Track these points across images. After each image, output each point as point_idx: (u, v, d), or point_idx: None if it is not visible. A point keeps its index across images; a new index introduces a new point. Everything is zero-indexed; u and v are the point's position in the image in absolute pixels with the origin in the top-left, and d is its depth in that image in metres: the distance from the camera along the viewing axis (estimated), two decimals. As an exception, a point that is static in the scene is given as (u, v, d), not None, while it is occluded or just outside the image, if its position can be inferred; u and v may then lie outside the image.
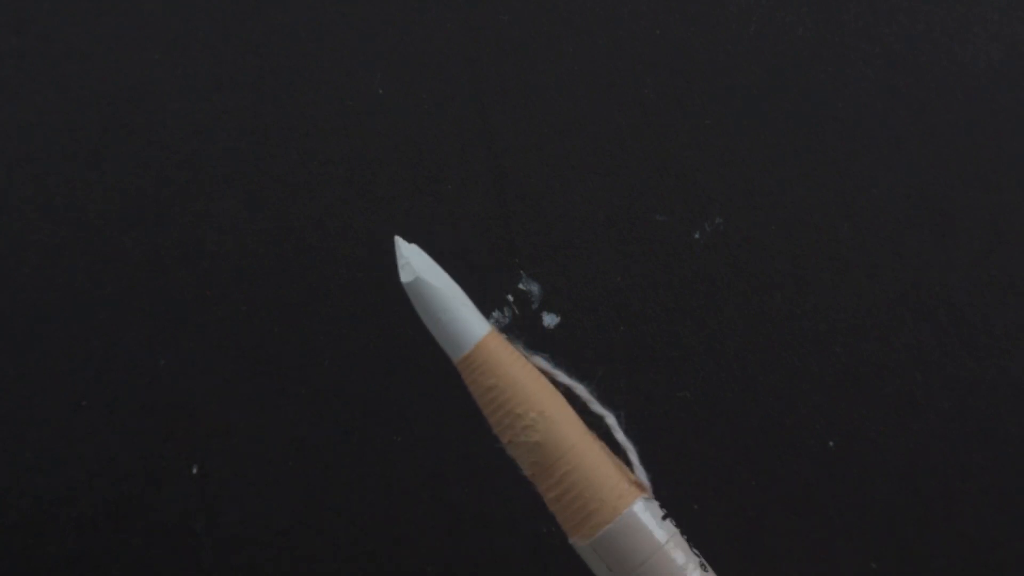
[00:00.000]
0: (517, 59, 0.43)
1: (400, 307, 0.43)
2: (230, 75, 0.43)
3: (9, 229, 0.42)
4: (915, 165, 0.42)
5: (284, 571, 0.41)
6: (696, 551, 0.27)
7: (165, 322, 0.42)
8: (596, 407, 0.27)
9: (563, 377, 0.26)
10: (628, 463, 0.26)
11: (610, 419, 0.26)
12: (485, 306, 0.28)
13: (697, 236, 0.42)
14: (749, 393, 0.41)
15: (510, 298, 0.41)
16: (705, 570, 0.26)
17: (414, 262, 0.26)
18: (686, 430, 0.41)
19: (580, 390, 0.27)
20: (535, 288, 0.42)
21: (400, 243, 0.26)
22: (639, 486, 0.26)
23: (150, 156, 0.43)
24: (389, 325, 0.42)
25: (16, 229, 0.42)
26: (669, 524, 0.26)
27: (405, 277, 0.25)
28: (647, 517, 0.25)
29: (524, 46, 0.43)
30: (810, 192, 0.42)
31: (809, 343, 0.41)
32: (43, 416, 0.42)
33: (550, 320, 0.42)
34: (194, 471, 0.41)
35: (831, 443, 0.41)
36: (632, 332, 0.42)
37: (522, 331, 0.28)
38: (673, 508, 0.40)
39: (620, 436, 0.26)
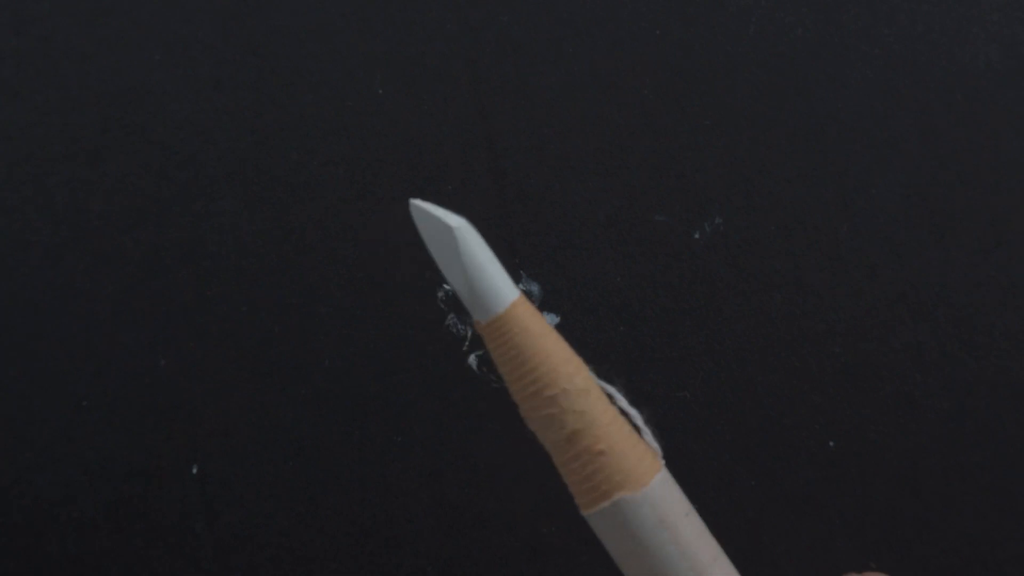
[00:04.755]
0: (517, 59, 0.43)
1: (400, 307, 0.43)
2: (230, 75, 0.43)
3: (9, 229, 0.42)
4: (915, 165, 0.42)
5: (284, 571, 0.41)
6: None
7: (165, 322, 0.42)
8: (609, 386, 0.26)
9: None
10: (637, 429, 0.26)
11: (611, 390, 0.26)
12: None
13: (697, 236, 0.42)
14: (749, 393, 0.41)
15: (510, 298, 0.41)
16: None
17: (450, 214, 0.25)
18: (686, 430, 0.41)
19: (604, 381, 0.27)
20: (535, 288, 0.42)
21: (418, 204, 0.25)
22: (655, 458, 0.26)
23: (150, 156, 0.43)
24: (389, 325, 0.42)
25: (16, 229, 0.42)
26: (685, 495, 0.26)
27: (456, 221, 0.25)
28: (670, 484, 0.26)
29: (524, 46, 0.43)
30: (810, 192, 0.42)
31: (809, 343, 0.41)
32: (43, 416, 0.42)
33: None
34: (194, 471, 0.41)
35: (831, 443, 0.41)
36: (632, 332, 0.42)
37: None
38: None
39: (624, 404, 0.26)
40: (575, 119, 0.42)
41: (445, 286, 0.41)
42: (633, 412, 0.26)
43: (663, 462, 0.25)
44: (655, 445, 0.25)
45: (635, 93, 0.43)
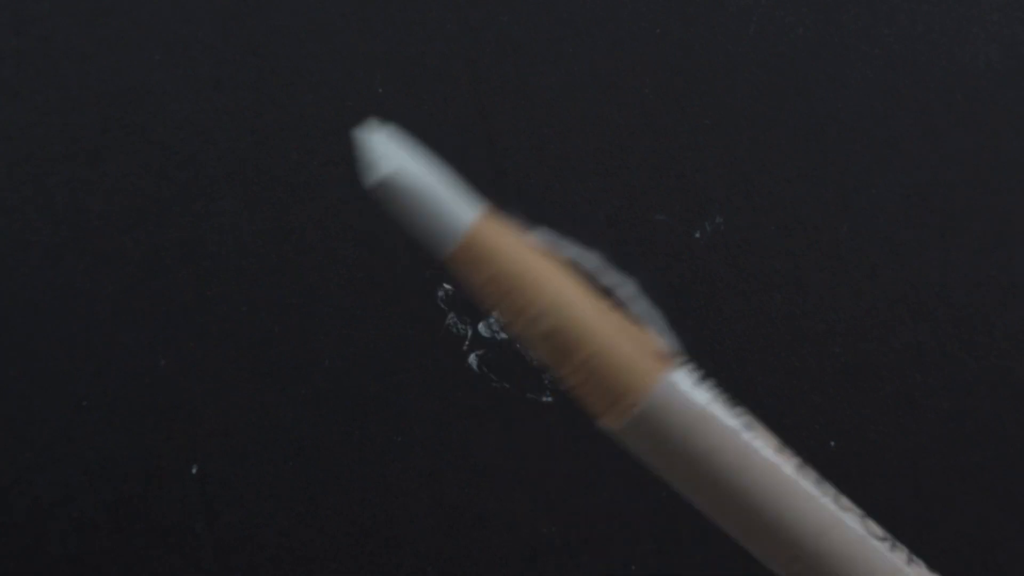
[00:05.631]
0: (517, 59, 0.43)
1: (400, 307, 0.43)
2: (230, 75, 0.43)
3: (9, 229, 0.42)
4: (915, 165, 0.42)
5: (284, 571, 0.41)
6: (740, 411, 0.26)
7: (165, 322, 0.42)
8: (609, 278, 0.25)
9: (570, 249, 0.25)
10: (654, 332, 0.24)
11: (626, 289, 0.25)
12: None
13: (697, 236, 0.42)
14: (749, 393, 0.41)
15: (510, 298, 0.41)
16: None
17: (389, 151, 0.24)
18: (686, 430, 0.41)
19: (590, 260, 0.25)
20: (535, 288, 0.41)
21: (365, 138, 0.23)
22: (666, 355, 0.24)
23: (150, 156, 0.43)
24: (389, 325, 0.42)
25: (16, 229, 0.42)
26: (707, 387, 0.25)
27: (387, 168, 0.23)
28: (684, 382, 0.24)
29: (524, 46, 0.43)
30: (810, 192, 0.42)
31: (809, 343, 0.41)
32: (43, 416, 0.42)
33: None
34: (194, 471, 0.41)
35: (831, 443, 0.41)
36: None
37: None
38: (673, 509, 0.40)
39: (639, 306, 0.24)
40: (575, 119, 0.42)
41: (446, 285, 0.41)
42: (651, 314, 0.24)
43: (674, 362, 0.24)
44: (664, 343, 0.24)
45: (635, 93, 0.43)
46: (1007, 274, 0.41)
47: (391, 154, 0.23)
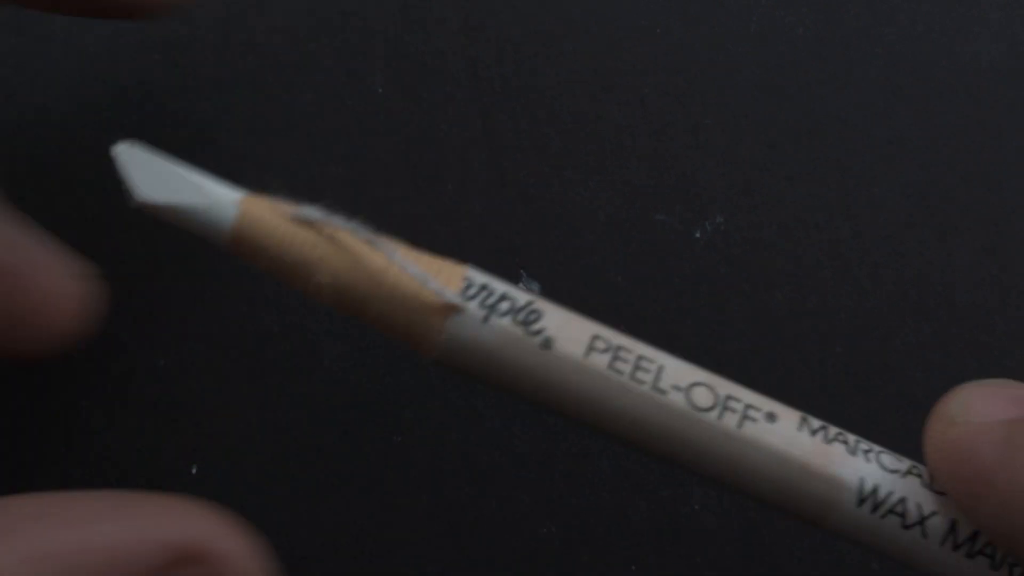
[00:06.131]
0: (517, 59, 0.43)
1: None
2: (230, 75, 0.43)
3: (9, 229, 0.42)
4: (915, 165, 0.42)
5: (284, 571, 0.41)
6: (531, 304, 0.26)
7: (165, 322, 0.42)
8: (379, 246, 0.26)
9: (340, 222, 0.26)
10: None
11: (395, 256, 0.26)
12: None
13: (698, 235, 0.42)
14: (749, 393, 0.41)
15: (510, 298, 0.41)
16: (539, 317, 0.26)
17: (140, 175, 0.25)
18: (686, 430, 0.41)
19: (361, 232, 0.26)
20: (535, 288, 0.41)
21: (121, 155, 0.24)
22: (446, 300, 0.25)
23: (150, 156, 0.43)
24: (389, 325, 0.41)
25: (16, 229, 0.42)
26: (499, 311, 0.26)
27: (136, 200, 0.24)
28: (472, 319, 0.25)
29: (524, 46, 0.43)
30: (811, 191, 0.42)
31: (809, 343, 0.41)
32: (43, 416, 0.42)
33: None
34: (194, 471, 0.41)
35: (831, 443, 0.41)
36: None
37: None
38: (673, 509, 0.40)
39: (411, 269, 0.26)
40: (575, 119, 0.42)
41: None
42: (415, 271, 0.25)
43: (451, 309, 0.25)
44: (443, 289, 0.25)
45: (635, 93, 0.43)
46: (1009, 273, 0.41)
47: (144, 173, 0.24)
